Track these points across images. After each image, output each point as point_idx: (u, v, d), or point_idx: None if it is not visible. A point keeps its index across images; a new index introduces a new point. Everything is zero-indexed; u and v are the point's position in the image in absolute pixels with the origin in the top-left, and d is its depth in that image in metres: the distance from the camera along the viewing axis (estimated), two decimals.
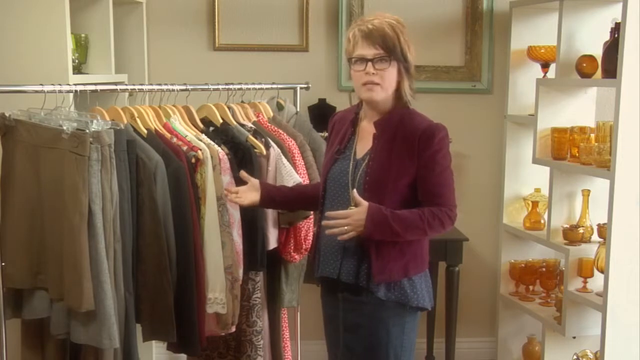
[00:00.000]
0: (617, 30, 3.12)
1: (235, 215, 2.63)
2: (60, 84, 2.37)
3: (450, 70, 3.95)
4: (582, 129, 3.42)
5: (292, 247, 2.90)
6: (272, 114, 3.14)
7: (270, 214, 2.82)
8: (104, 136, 2.19)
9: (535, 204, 3.79)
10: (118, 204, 2.26)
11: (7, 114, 2.31)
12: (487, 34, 3.92)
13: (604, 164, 3.15)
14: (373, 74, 2.28)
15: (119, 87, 2.70)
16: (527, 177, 3.89)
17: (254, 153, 2.76)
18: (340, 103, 3.74)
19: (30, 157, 2.29)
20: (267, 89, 3.24)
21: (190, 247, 2.48)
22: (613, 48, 3.10)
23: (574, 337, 3.47)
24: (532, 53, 3.72)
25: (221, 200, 2.58)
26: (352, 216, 2.25)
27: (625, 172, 3.04)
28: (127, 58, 3.65)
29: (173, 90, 2.75)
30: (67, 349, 2.43)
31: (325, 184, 2.44)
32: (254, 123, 2.98)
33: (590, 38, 3.41)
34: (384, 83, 2.30)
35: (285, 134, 3.00)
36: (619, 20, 3.06)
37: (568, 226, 3.46)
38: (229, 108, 2.91)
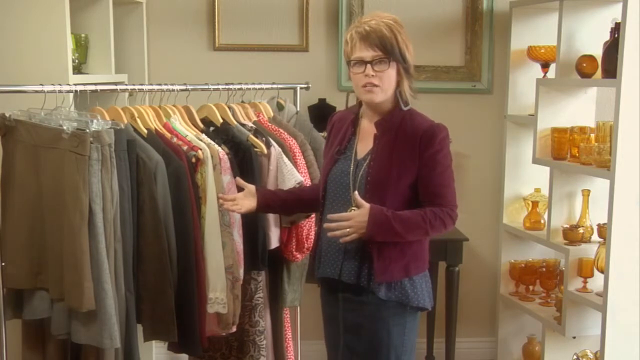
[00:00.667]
0: (617, 30, 3.12)
1: (236, 215, 2.63)
2: (60, 84, 2.37)
3: (450, 70, 3.95)
4: (582, 129, 3.42)
5: (294, 247, 2.90)
6: (272, 114, 3.14)
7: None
8: (104, 136, 2.19)
9: (535, 204, 3.79)
10: (118, 204, 2.26)
11: (7, 114, 2.31)
12: (487, 34, 3.92)
13: (604, 164, 3.15)
14: (372, 75, 2.28)
15: (119, 87, 2.70)
16: (527, 177, 3.89)
17: (254, 152, 2.76)
18: (340, 103, 3.76)
19: (31, 157, 2.28)
20: (267, 89, 3.24)
21: (191, 246, 2.48)
22: (613, 48, 3.10)
23: (574, 337, 3.47)
24: (532, 53, 3.72)
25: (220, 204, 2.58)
26: (354, 218, 2.25)
27: (625, 172, 3.04)
28: (127, 58, 3.65)
29: (173, 90, 2.75)
30: (68, 349, 2.43)
31: (325, 184, 2.43)
32: (254, 123, 2.97)
33: (590, 38, 3.41)
34: (384, 84, 2.30)
35: (285, 133, 2.99)
36: (619, 20, 3.06)
37: (568, 226, 3.46)
38: (229, 108, 2.91)
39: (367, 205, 2.25)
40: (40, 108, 2.31)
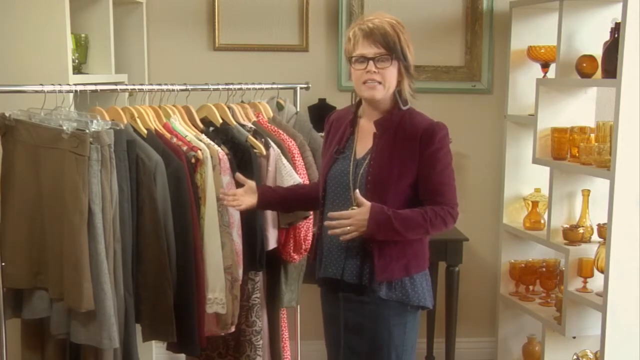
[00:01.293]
0: (617, 30, 3.11)
1: (235, 216, 2.63)
2: (60, 84, 2.37)
3: (450, 70, 3.95)
4: (582, 129, 3.42)
5: (292, 248, 2.91)
6: (272, 114, 3.14)
7: (270, 214, 2.82)
8: (104, 136, 2.19)
9: (535, 204, 3.79)
10: (118, 204, 2.26)
11: (7, 114, 2.31)
12: (487, 34, 3.91)
13: (604, 164, 3.15)
14: (374, 72, 2.29)
15: (119, 87, 2.70)
16: (527, 177, 3.89)
17: (253, 153, 2.76)
18: (340, 103, 3.73)
19: (30, 157, 2.28)
20: (267, 89, 3.24)
21: (190, 247, 2.49)
22: (613, 48, 3.10)
23: (574, 337, 3.47)
24: (532, 53, 3.72)
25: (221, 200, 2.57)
26: (354, 216, 2.25)
27: (625, 172, 3.04)
28: (127, 58, 3.65)
29: (173, 90, 2.75)
30: (67, 349, 2.43)
31: (325, 184, 2.43)
32: (253, 123, 2.98)
33: (590, 38, 3.41)
34: (385, 82, 2.30)
35: (285, 134, 2.99)
36: (619, 20, 3.06)
37: (568, 226, 3.46)
38: (229, 108, 2.91)
39: (367, 203, 2.25)
40: (40, 108, 2.31)
